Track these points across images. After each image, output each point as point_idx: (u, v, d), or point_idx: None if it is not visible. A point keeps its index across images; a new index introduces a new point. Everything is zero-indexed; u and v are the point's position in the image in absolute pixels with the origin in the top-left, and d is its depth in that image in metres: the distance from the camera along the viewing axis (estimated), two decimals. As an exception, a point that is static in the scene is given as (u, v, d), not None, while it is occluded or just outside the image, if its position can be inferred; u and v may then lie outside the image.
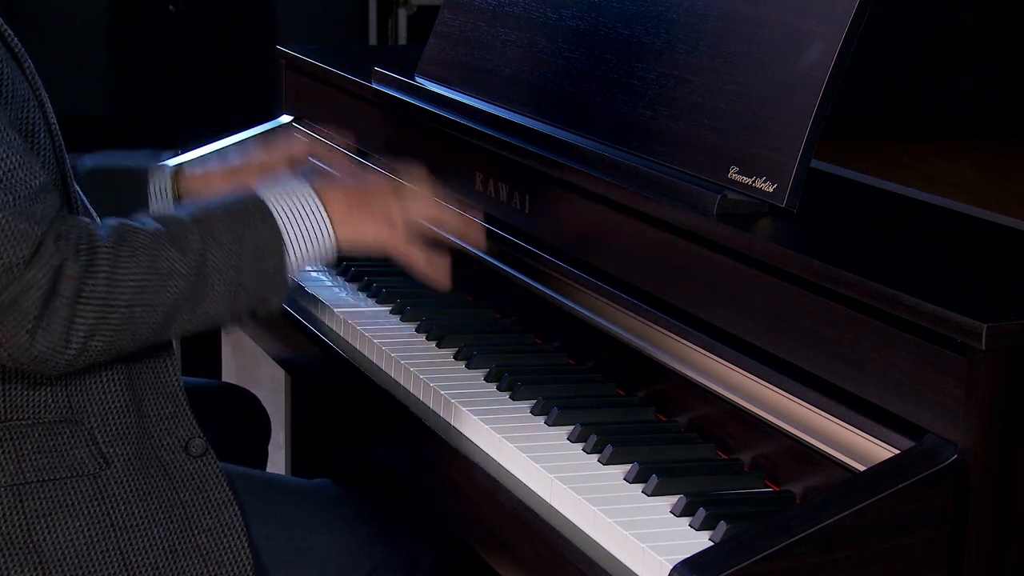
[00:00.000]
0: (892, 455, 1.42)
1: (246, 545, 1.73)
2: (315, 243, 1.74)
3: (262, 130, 2.77)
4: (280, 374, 3.04)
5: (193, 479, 1.73)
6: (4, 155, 1.56)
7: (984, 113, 2.64)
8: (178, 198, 2.09)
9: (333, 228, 1.76)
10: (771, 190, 1.68)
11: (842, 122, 1.87)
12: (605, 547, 1.47)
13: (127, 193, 2.06)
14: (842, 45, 1.66)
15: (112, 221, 1.64)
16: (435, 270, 1.84)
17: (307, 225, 1.74)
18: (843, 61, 1.66)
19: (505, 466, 1.65)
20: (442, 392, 1.79)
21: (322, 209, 1.75)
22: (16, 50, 1.67)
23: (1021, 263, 1.67)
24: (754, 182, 1.70)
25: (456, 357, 1.91)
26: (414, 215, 1.82)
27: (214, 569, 1.71)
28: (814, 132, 1.66)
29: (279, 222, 1.72)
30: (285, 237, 1.71)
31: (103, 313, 1.58)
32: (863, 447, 1.46)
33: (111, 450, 1.70)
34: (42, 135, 1.67)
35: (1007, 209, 1.88)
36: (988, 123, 2.62)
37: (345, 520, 1.92)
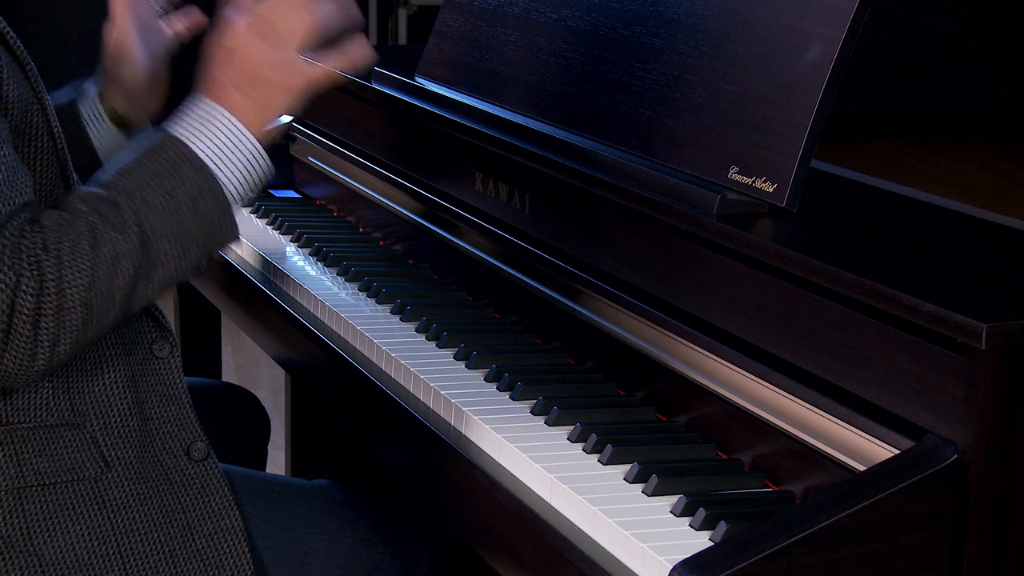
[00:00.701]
0: (892, 455, 1.42)
1: (247, 550, 1.72)
2: (246, 162, 1.68)
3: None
4: (280, 374, 3.04)
5: (194, 483, 1.72)
6: None
7: (984, 113, 2.63)
8: (113, 116, 2.05)
9: (249, 131, 1.69)
10: (771, 190, 1.68)
11: (842, 122, 1.87)
12: (605, 547, 1.47)
13: (64, 131, 2.01)
14: (842, 45, 1.66)
15: (46, 215, 1.56)
16: (347, 58, 1.74)
17: (228, 146, 1.67)
18: (843, 61, 1.66)
19: (505, 466, 1.65)
20: (442, 392, 1.79)
21: (233, 119, 1.68)
22: (18, 52, 1.66)
23: (1021, 263, 1.67)
24: (754, 182, 1.70)
25: (456, 357, 1.91)
26: (303, 46, 1.72)
27: (215, 574, 1.71)
28: (814, 132, 1.66)
29: (202, 158, 1.65)
30: (216, 172, 1.65)
31: (61, 319, 1.54)
32: (863, 447, 1.46)
33: (112, 453, 1.69)
34: (43, 138, 1.66)
35: (1007, 209, 1.87)
36: (988, 123, 2.62)
37: (345, 521, 1.92)
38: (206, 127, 1.68)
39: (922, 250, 1.68)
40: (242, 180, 1.69)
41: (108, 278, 1.56)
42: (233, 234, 1.67)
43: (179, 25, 2.14)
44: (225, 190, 1.66)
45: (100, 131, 2.04)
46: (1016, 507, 1.39)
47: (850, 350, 1.48)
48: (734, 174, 1.72)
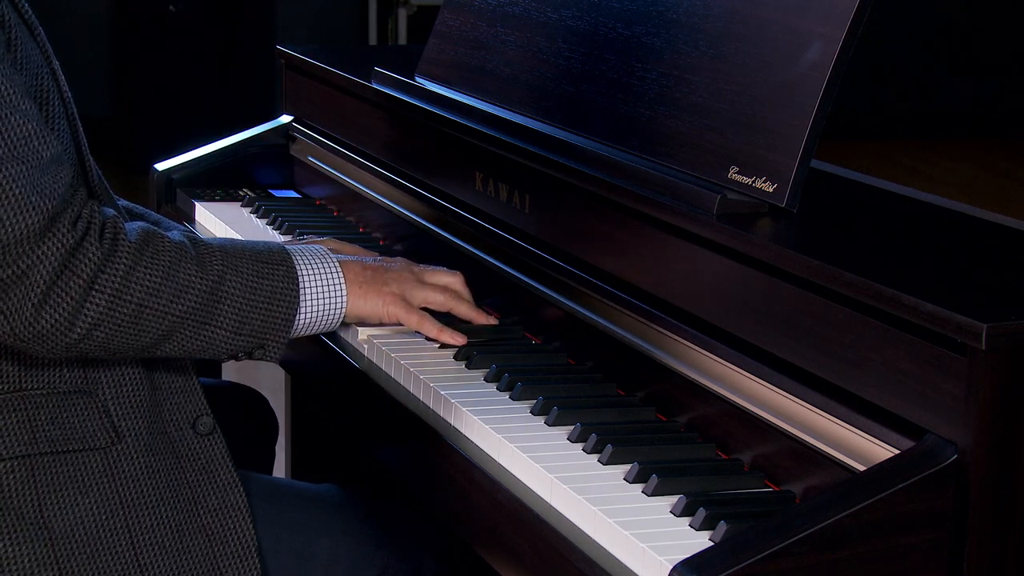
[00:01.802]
0: (892, 455, 1.42)
1: (251, 526, 1.74)
2: (327, 309, 1.79)
3: (262, 130, 2.77)
4: (280, 374, 3.04)
5: (199, 458, 1.74)
6: (20, 123, 1.55)
7: (984, 113, 2.64)
8: None
9: (347, 299, 1.81)
10: (771, 190, 1.68)
11: (842, 122, 1.87)
12: (605, 547, 1.47)
13: None
14: (842, 45, 1.66)
15: (139, 224, 1.65)
16: (449, 336, 1.90)
17: (324, 291, 1.78)
18: (843, 61, 1.66)
19: (505, 466, 1.65)
20: (442, 392, 1.79)
21: (342, 280, 1.80)
22: (26, 16, 1.66)
23: (1021, 263, 1.67)
24: (754, 182, 1.70)
25: (456, 357, 1.91)
26: (428, 302, 1.90)
27: (219, 549, 1.72)
28: (814, 132, 1.66)
29: (300, 278, 1.75)
30: (301, 294, 1.75)
31: (113, 305, 1.59)
32: (863, 447, 1.46)
33: (124, 424, 1.71)
34: (55, 103, 1.67)
35: (1007, 209, 1.87)
36: (988, 123, 2.62)
37: (350, 525, 1.92)
38: (316, 260, 1.80)
39: (922, 250, 1.68)
40: (312, 316, 1.79)
41: (170, 299, 1.63)
42: (280, 348, 1.76)
43: None
44: (300, 308, 1.76)
45: None
46: (1016, 507, 1.39)
47: (850, 350, 1.48)
48: (734, 174, 1.72)
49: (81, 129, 1.72)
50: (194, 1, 6.69)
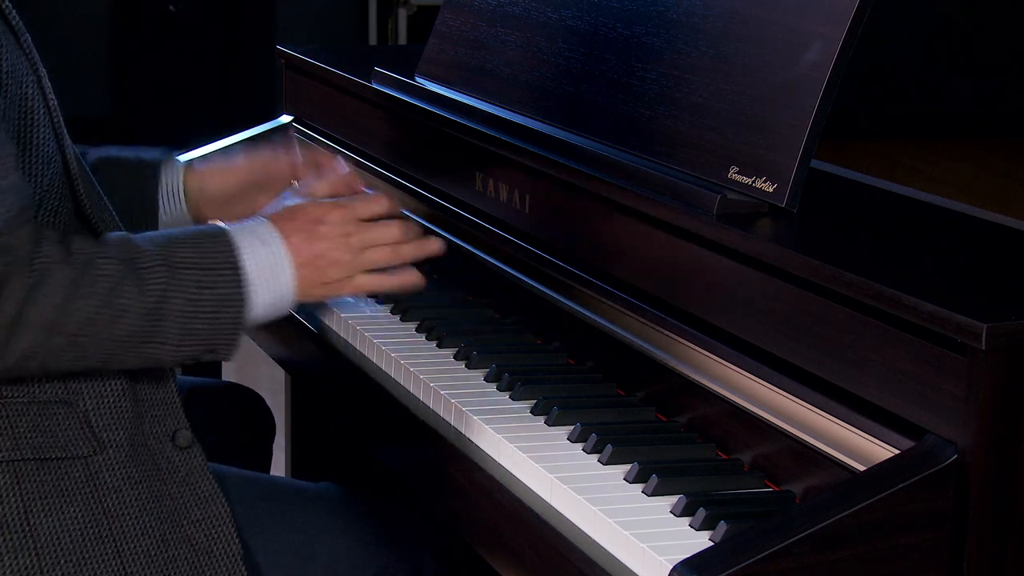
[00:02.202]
0: (892, 455, 1.41)
1: (235, 537, 1.72)
2: (275, 304, 1.74)
3: (262, 130, 2.77)
4: (280, 374, 3.04)
5: (179, 471, 1.73)
6: None
7: (984, 113, 2.63)
8: (186, 196, 2.07)
9: (295, 290, 1.76)
10: (771, 190, 1.68)
11: (842, 122, 1.87)
12: (605, 547, 1.47)
13: (136, 187, 2.03)
14: (842, 45, 1.66)
15: (82, 243, 1.62)
16: (399, 282, 1.85)
17: (272, 284, 1.73)
18: (843, 61, 1.66)
19: (505, 466, 1.65)
20: (442, 392, 1.79)
21: (289, 266, 1.75)
22: (13, 23, 1.65)
23: (1021, 263, 1.67)
24: (754, 182, 1.70)
25: (456, 357, 1.91)
26: (372, 265, 1.83)
27: (204, 560, 1.71)
28: (814, 132, 1.66)
29: (246, 278, 1.70)
30: (248, 296, 1.70)
31: (46, 337, 1.57)
32: (863, 447, 1.46)
33: (105, 435, 1.69)
34: (39, 111, 1.65)
35: (1007, 209, 1.87)
36: (988, 123, 2.62)
37: (349, 525, 1.92)
38: (261, 246, 1.73)
39: (922, 250, 1.68)
40: (266, 307, 1.73)
41: (108, 325, 1.60)
42: (231, 349, 1.71)
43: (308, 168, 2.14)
44: (248, 307, 1.70)
45: (172, 208, 2.06)
46: (1016, 507, 1.39)
47: (850, 350, 1.48)
48: (734, 174, 1.72)
49: (68, 138, 1.69)
50: (194, 1, 6.69)
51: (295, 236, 1.77)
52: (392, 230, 1.86)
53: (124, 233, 1.70)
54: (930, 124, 2.55)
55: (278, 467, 3.00)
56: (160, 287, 1.63)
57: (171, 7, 6.64)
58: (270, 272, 1.73)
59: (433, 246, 1.90)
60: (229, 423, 2.24)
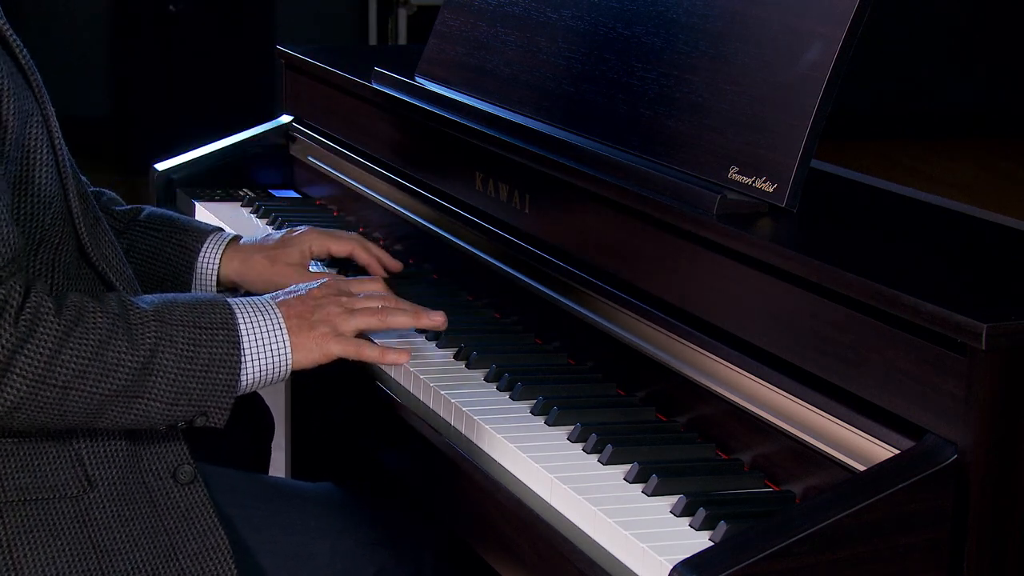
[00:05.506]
0: (892, 455, 1.42)
1: (233, 569, 1.71)
2: (272, 367, 1.73)
3: (262, 130, 2.77)
4: (280, 374, 3.03)
5: (179, 506, 1.71)
6: None
7: (984, 113, 2.64)
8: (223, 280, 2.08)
9: (292, 356, 1.74)
10: (771, 190, 1.68)
11: (842, 122, 1.87)
12: (605, 547, 1.47)
13: (176, 251, 2.05)
14: (842, 45, 1.66)
15: (75, 297, 1.61)
16: (392, 356, 1.82)
17: (267, 349, 1.73)
18: (843, 61, 1.66)
19: (505, 466, 1.65)
20: (442, 392, 1.79)
21: (286, 337, 1.74)
22: (23, 62, 1.64)
23: (1021, 263, 1.67)
24: (754, 182, 1.70)
25: (456, 357, 1.91)
26: (361, 329, 1.81)
27: None
28: (814, 132, 1.66)
29: (241, 340, 1.70)
30: (242, 358, 1.69)
31: (35, 389, 1.55)
32: (863, 447, 1.46)
33: (97, 472, 1.68)
34: (43, 150, 1.64)
35: (1007, 209, 1.87)
36: (988, 123, 2.62)
37: (348, 525, 1.92)
38: (258, 314, 1.73)
39: (922, 250, 1.68)
40: (259, 373, 1.72)
41: (97, 379, 1.59)
42: (223, 414, 1.69)
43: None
44: (242, 371, 1.69)
45: (203, 285, 2.08)
46: (1016, 507, 1.39)
47: (850, 350, 1.48)
48: (734, 174, 1.72)
49: (71, 178, 1.69)
50: (194, 1, 6.69)
51: (292, 308, 1.77)
52: (378, 290, 1.87)
53: (121, 292, 1.70)
54: (930, 124, 2.55)
55: (278, 467, 3.00)
56: (151, 341, 1.62)
57: (171, 7, 6.65)
58: (265, 337, 1.72)
59: (435, 321, 1.86)
60: (228, 423, 2.24)
